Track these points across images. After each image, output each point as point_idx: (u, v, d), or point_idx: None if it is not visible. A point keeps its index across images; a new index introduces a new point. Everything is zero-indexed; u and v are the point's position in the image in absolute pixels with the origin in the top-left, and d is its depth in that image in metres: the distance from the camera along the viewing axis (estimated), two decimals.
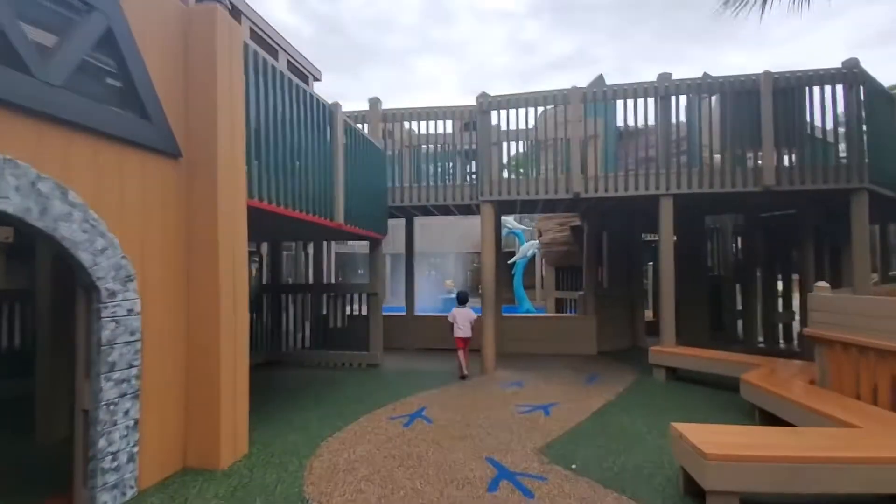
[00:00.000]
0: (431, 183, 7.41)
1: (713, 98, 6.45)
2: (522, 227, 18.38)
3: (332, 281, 21.27)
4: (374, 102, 7.44)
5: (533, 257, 18.11)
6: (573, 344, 8.17)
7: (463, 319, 6.72)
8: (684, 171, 6.34)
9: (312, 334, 7.64)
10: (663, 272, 6.41)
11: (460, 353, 6.53)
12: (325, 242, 18.30)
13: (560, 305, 11.13)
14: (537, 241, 17.24)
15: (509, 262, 18.62)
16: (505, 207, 8.09)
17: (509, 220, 18.01)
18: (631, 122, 6.51)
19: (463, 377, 6.34)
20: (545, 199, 6.89)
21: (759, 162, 6.14)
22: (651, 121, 6.45)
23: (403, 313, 8.91)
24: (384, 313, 8.58)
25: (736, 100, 6.30)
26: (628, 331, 9.06)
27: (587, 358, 7.86)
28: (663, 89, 6.39)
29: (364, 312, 7.32)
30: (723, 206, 8.27)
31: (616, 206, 8.00)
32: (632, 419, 4.63)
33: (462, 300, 6.98)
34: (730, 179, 6.20)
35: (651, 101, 6.44)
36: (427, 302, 19.18)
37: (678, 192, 6.33)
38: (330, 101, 5.39)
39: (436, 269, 26.03)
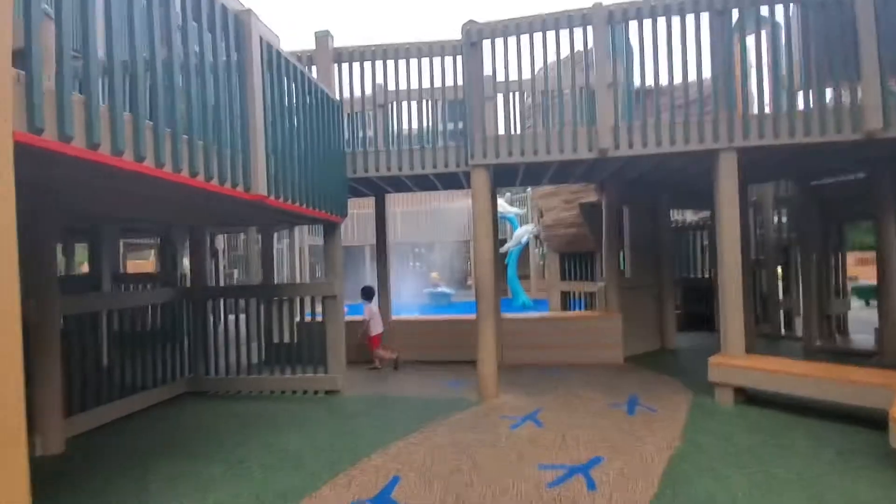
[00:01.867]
0: (405, 147, 5.54)
1: (791, 10, 4.68)
2: (515, 210, 16.62)
3: (305, 279, 19.31)
4: (323, 38, 5.51)
5: (527, 245, 16.39)
6: (593, 350, 6.44)
7: (378, 315, 6.62)
8: (753, 115, 4.59)
9: (251, 352, 5.77)
10: (725, 255, 4.68)
11: (380, 352, 6.49)
12: (292, 231, 16.27)
13: (566, 299, 9.41)
14: (532, 226, 15.53)
15: (501, 250, 16.91)
16: (503, 176, 6.27)
17: (501, 203, 16.24)
18: (676, 56, 4.71)
19: (376, 368, 6.47)
20: (559, 162, 5.09)
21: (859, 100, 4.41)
22: (705, 47, 4.67)
23: None
24: (355, 317, 6.78)
25: (822, 13, 4.55)
26: (656, 329, 7.37)
27: (614, 369, 6.13)
28: (721, 0, 4.60)
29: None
30: (775, 169, 6.57)
31: (644, 174, 6.25)
32: (727, 489, 2.89)
33: (369, 295, 6.76)
34: (818, 124, 4.46)
35: (704, 16, 4.66)
36: (411, 298, 17.51)
37: (745, 146, 4.58)
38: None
39: (420, 260, 24.18)
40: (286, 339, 5.63)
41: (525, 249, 16.67)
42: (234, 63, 3.38)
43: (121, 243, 14.69)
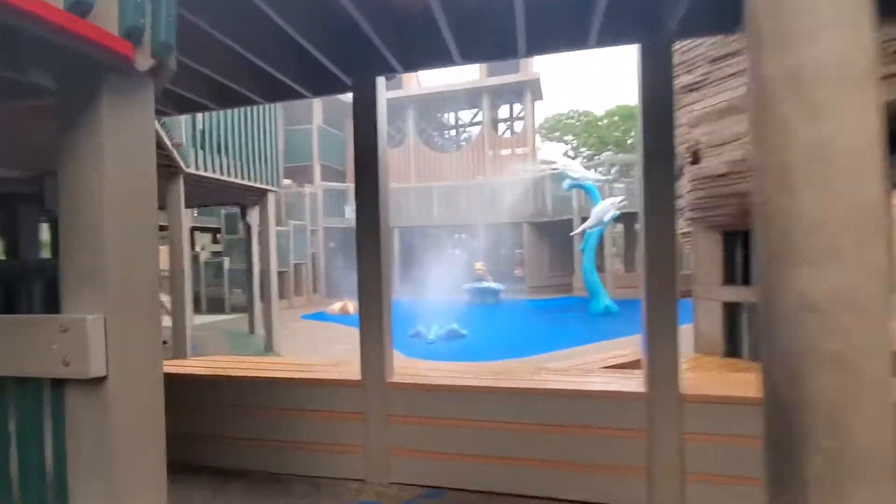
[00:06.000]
0: None
1: None
2: (596, 176, 12.06)
3: (320, 277, 15.50)
4: None
5: (606, 224, 11.82)
6: None
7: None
8: None
9: None
10: None
11: None
12: (302, 209, 12.87)
13: (732, 315, 5.04)
14: (618, 199, 11.09)
15: (573, 233, 12.48)
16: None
17: (574, 166, 11.81)
18: None
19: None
20: None
21: None
22: None
23: (356, 377, 2.98)
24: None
25: None
26: None
27: None
28: None
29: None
30: None
31: None
32: None
33: None
34: None
35: None
36: (448, 293, 13.46)
37: None
38: None
39: (461, 247, 20.03)
40: None
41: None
42: None
43: None
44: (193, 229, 16.32)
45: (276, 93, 3.12)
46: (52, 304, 1.38)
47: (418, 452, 2.85)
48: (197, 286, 13.99)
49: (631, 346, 7.05)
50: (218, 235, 17.15)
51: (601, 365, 4.01)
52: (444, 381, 2.92)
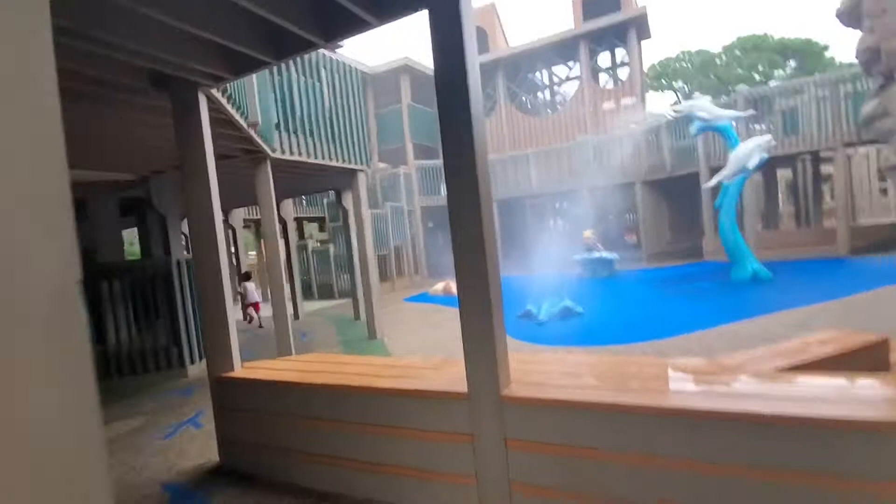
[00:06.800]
0: None
1: None
2: (734, 113, 9.86)
3: (420, 256, 15.31)
4: None
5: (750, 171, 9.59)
6: None
7: (253, 290, 10.10)
8: None
9: None
10: None
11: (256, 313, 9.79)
12: (398, 190, 12.46)
13: None
14: (766, 139, 8.98)
15: (709, 184, 10.43)
16: None
17: (703, 104, 9.75)
18: None
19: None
20: None
21: None
22: None
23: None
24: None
25: None
26: None
27: None
28: None
29: None
30: None
31: None
32: None
33: (247, 277, 10.55)
34: None
35: None
36: (556, 267, 12.32)
37: None
38: None
39: (564, 215, 18.54)
40: None
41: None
42: None
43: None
44: (301, 219, 17.09)
45: (337, 27, 2.47)
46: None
47: (552, 492, 2.08)
48: (307, 274, 14.59)
49: (812, 320, 5.49)
50: (323, 224, 17.79)
51: (797, 359, 2.85)
52: (583, 395, 2.09)
